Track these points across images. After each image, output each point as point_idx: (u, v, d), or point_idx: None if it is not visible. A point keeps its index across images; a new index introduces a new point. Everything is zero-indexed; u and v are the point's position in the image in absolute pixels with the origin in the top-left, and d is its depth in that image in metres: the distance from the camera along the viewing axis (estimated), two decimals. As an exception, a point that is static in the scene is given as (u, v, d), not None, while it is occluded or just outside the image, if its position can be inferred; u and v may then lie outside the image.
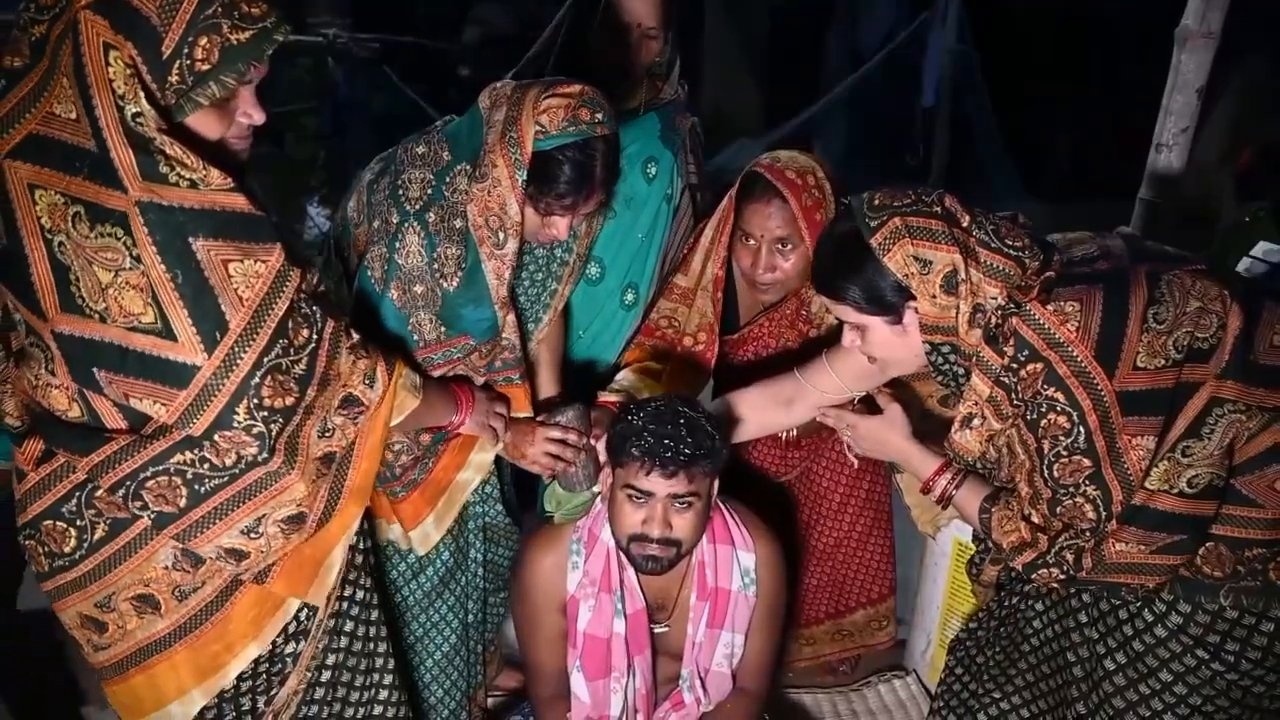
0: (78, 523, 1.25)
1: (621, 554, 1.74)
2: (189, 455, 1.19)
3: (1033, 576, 1.42)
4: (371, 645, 1.59)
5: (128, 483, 1.19)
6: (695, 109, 2.29)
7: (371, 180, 1.65)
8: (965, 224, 1.36)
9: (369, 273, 1.62)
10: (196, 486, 1.21)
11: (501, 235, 1.56)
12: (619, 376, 2.01)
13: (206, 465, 1.20)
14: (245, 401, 1.16)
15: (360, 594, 1.56)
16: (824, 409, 1.75)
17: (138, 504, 1.21)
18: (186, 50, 1.10)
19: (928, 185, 1.46)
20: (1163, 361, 1.27)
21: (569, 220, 1.62)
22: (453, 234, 1.57)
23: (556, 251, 1.87)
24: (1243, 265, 2.72)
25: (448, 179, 1.57)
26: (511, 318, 1.72)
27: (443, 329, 1.64)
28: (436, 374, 1.67)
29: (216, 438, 1.18)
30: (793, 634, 2.30)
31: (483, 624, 2.05)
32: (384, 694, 1.63)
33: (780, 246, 1.88)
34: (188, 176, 1.10)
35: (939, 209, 1.36)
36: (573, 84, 1.56)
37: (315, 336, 1.24)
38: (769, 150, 1.99)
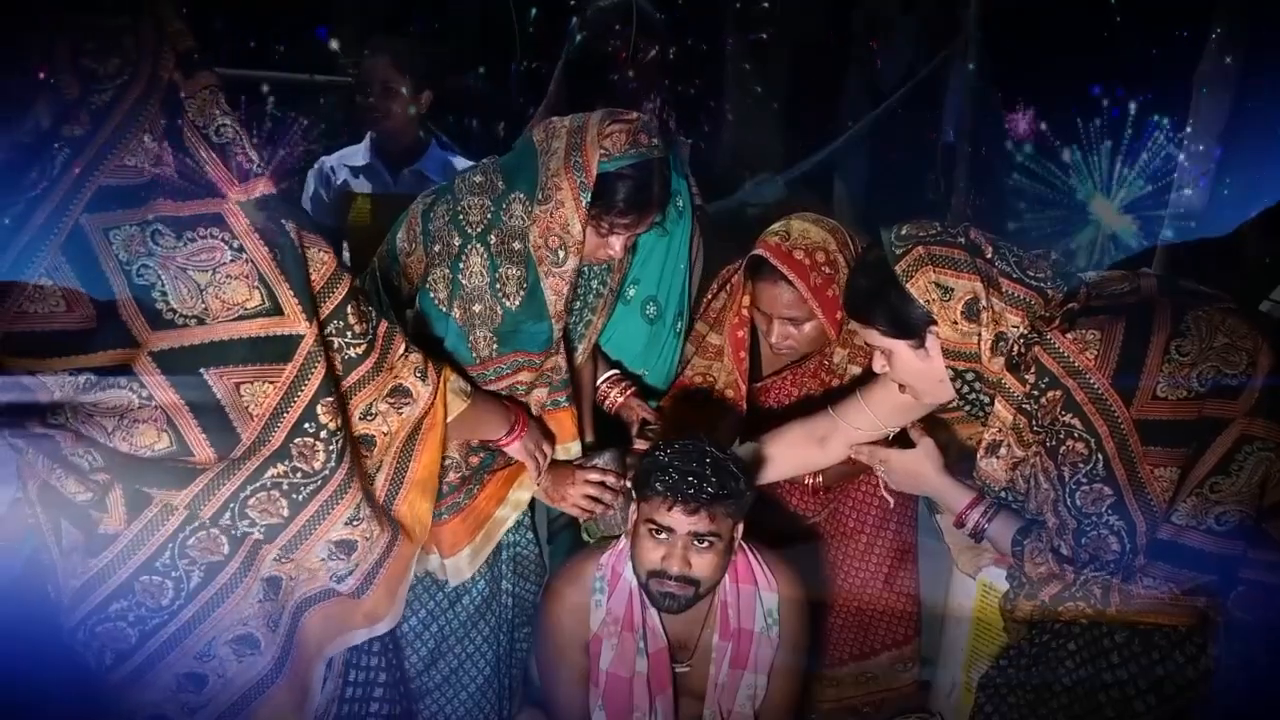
0: (173, 573, 1.29)
1: (644, 592, 1.74)
2: (282, 468, 1.27)
3: (1060, 610, 1.43)
4: (368, 659, 1.61)
5: (231, 504, 1.26)
6: (714, 144, 2.39)
7: (425, 210, 1.74)
8: (988, 255, 1.43)
9: (431, 295, 1.71)
10: (294, 495, 1.29)
11: (562, 254, 1.66)
12: (649, 429, 2.04)
13: (299, 474, 1.28)
14: (333, 370, 1.29)
15: None
16: (857, 445, 1.78)
17: (245, 522, 1.28)
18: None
19: (949, 220, 1.52)
20: (1185, 393, 1.29)
21: (625, 239, 1.72)
22: (513, 255, 1.67)
23: (593, 284, 1.93)
24: (1263, 308, 2.71)
25: (504, 205, 1.67)
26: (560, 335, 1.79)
27: (496, 345, 1.71)
28: (489, 389, 1.74)
29: (319, 409, 1.26)
30: (816, 676, 2.29)
31: (510, 658, 2.06)
32: (374, 706, 1.64)
33: (791, 322, 1.90)
34: (262, 169, 1.21)
35: (963, 240, 1.44)
36: (630, 112, 1.70)
37: (372, 329, 1.35)
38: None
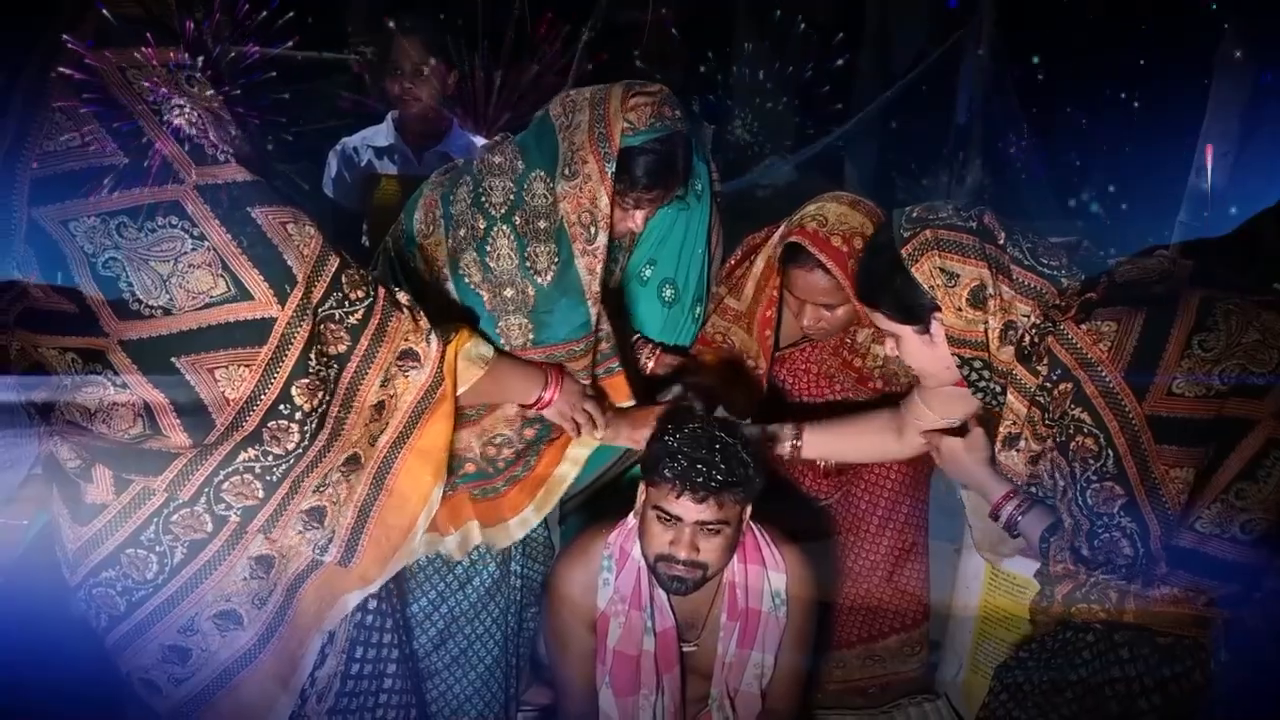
0: (157, 548, 1.30)
1: (652, 574, 1.74)
2: (253, 451, 1.27)
3: (1072, 611, 1.38)
4: (380, 635, 1.63)
5: (206, 489, 1.27)
6: (724, 125, 2.35)
7: (445, 193, 1.71)
8: (1001, 241, 1.39)
9: (466, 279, 1.68)
10: (268, 477, 1.30)
11: (593, 229, 1.63)
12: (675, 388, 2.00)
13: (270, 457, 1.29)
14: (316, 348, 1.27)
15: (382, 589, 1.60)
16: (925, 431, 1.75)
17: (221, 506, 1.29)
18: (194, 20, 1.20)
19: (961, 203, 1.49)
20: (1203, 390, 1.23)
21: (646, 213, 1.70)
22: (538, 234, 1.64)
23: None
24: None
25: (525, 184, 1.64)
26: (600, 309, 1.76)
27: (531, 334, 1.69)
28: None
29: (293, 391, 1.25)
30: (824, 656, 2.29)
31: (518, 639, 2.06)
32: (385, 695, 1.65)
33: (825, 307, 1.87)
34: (229, 152, 1.19)
35: (974, 224, 1.39)
36: (652, 85, 1.67)
37: (371, 294, 1.33)
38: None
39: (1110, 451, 1.26)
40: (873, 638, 2.30)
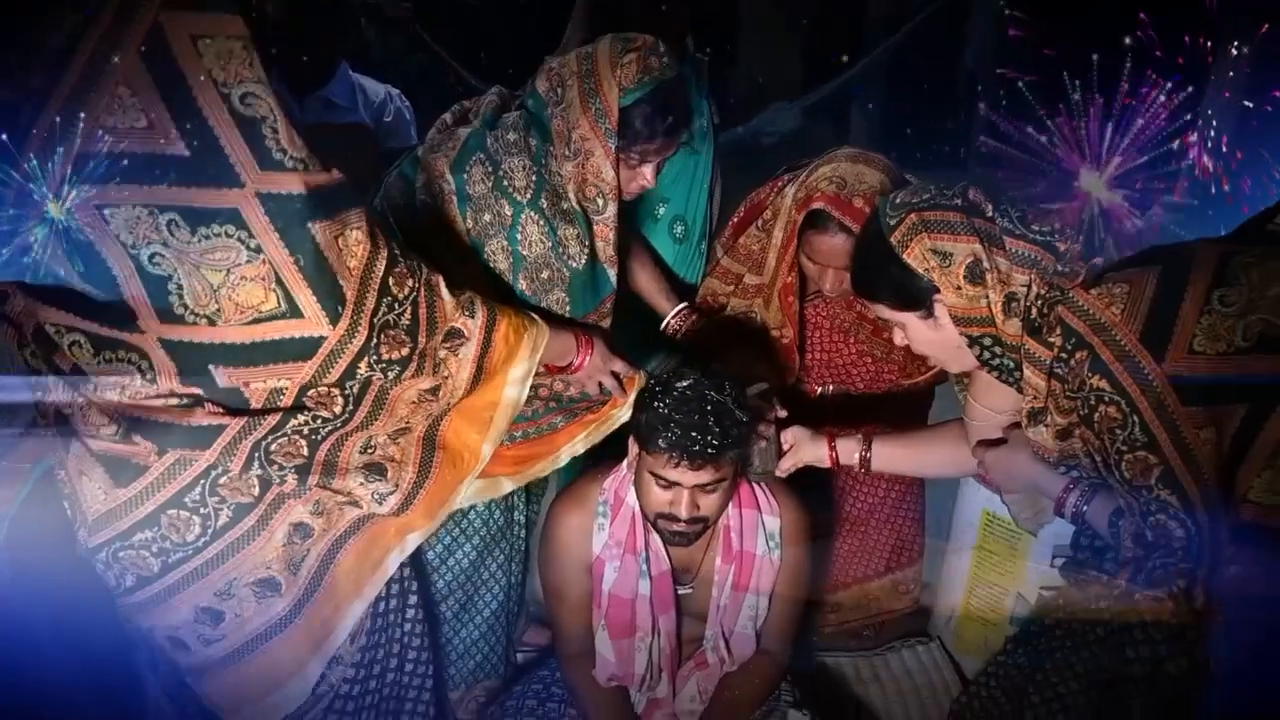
0: (201, 510, 1.27)
1: (654, 529, 1.75)
2: (302, 417, 1.26)
3: (1136, 596, 1.29)
4: (400, 600, 1.63)
5: (257, 454, 1.25)
6: (731, 70, 2.34)
7: (456, 166, 1.61)
8: (989, 213, 1.36)
9: (492, 265, 1.63)
10: (314, 438, 1.30)
11: (601, 201, 1.62)
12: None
13: (319, 420, 1.28)
14: (366, 359, 1.25)
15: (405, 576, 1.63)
16: (974, 449, 1.66)
17: (274, 468, 1.28)
18: None
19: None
20: (1225, 347, 1.17)
21: (656, 165, 1.68)
22: (562, 215, 1.61)
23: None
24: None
25: (544, 161, 1.61)
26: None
27: (568, 308, 1.69)
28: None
29: (334, 393, 1.26)
30: (819, 600, 2.32)
31: (522, 586, 2.09)
32: (412, 655, 1.68)
33: (846, 269, 1.83)
34: (298, 157, 1.11)
35: (959, 201, 1.37)
36: (635, 37, 1.62)
37: (416, 285, 1.28)
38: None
39: (1135, 418, 1.21)
40: (868, 578, 2.33)
